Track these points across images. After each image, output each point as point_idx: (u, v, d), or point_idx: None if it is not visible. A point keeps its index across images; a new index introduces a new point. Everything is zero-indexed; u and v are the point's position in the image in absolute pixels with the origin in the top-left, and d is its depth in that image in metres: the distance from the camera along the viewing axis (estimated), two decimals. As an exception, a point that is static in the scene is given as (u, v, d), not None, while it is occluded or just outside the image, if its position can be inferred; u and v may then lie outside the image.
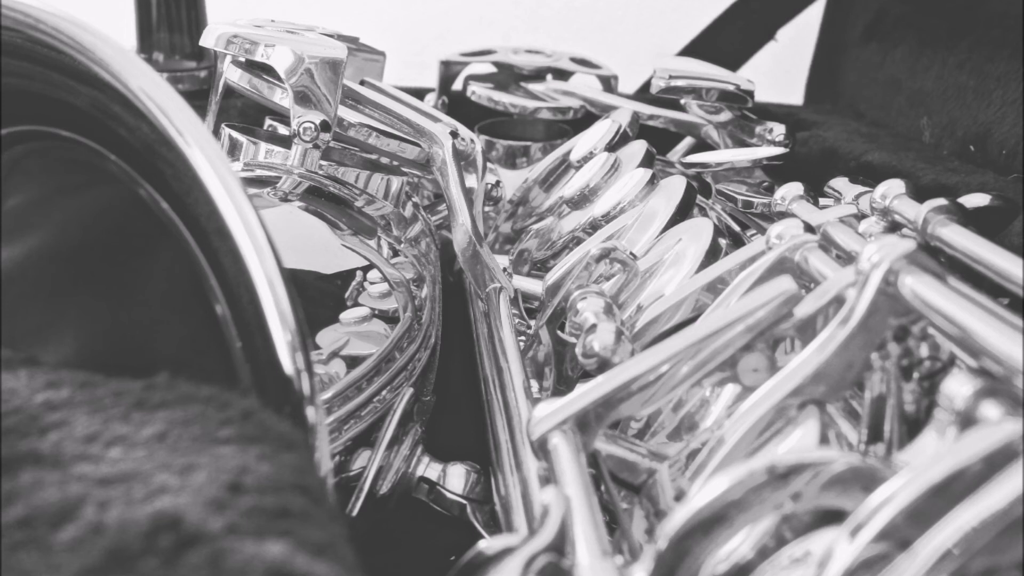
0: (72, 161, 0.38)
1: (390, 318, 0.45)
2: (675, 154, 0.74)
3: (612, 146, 0.61)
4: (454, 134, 0.57)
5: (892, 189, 0.46)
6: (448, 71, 0.84)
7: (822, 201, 0.52)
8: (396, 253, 0.49)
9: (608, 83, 0.83)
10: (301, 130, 0.50)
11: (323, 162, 0.52)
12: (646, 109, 0.70)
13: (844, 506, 0.25)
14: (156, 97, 0.30)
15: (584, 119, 0.74)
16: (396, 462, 0.45)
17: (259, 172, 0.50)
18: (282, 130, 0.55)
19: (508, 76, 0.83)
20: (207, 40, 0.53)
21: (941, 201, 0.42)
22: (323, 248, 0.46)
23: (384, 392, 0.43)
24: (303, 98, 0.50)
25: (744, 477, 0.25)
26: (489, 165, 0.72)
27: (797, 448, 0.29)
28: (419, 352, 0.47)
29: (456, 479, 0.46)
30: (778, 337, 0.32)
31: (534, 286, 0.53)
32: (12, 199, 0.39)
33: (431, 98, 0.82)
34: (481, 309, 0.51)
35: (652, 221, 0.49)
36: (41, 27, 0.32)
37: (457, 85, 0.84)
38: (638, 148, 0.58)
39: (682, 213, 0.49)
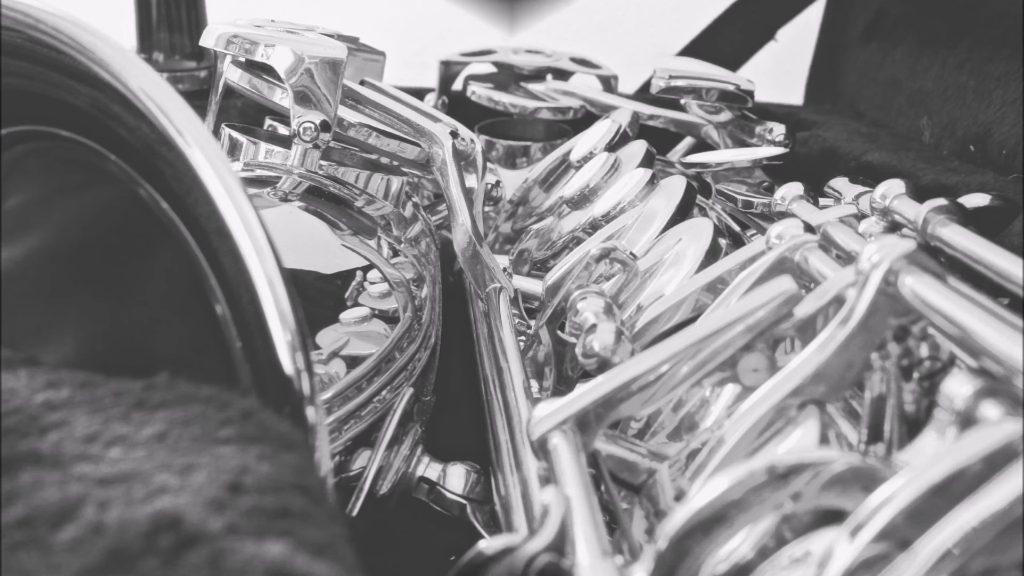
0: (72, 161, 0.38)
1: (390, 318, 0.45)
2: (675, 154, 0.74)
3: (612, 146, 0.61)
4: (454, 134, 0.57)
5: (892, 189, 0.46)
6: (448, 71, 0.84)
7: (822, 201, 0.52)
8: (396, 253, 0.49)
9: (608, 83, 0.83)
10: (301, 130, 0.50)
11: (323, 162, 0.52)
12: (646, 109, 0.70)
13: (844, 506, 0.25)
14: (156, 97, 0.30)
15: (584, 119, 0.74)
16: (396, 462, 0.45)
17: (259, 172, 0.50)
18: (282, 130, 0.55)
19: (508, 76, 0.83)
20: (207, 40, 0.53)
21: (941, 201, 0.42)
22: (323, 248, 0.46)
23: (384, 392, 0.43)
24: (303, 98, 0.50)
25: (744, 477, 0.25)
26: (489, 165, 0.72)
27: (797, 448, 0.29)
28: (419, 352, 0.47)
29: (456, 479, 0.46)
30: (778, 337, 0.32)
31: (534, 286, 0.53)
32: (12, 199, 0.39)
33: (431, 98, 0.82)
34: (481, 309, 0.51)
35: (652, 221, 0.49)
36: (41, 27, 0.32)
37: (457, 85, 0.84)
38: (638, 148, 0.58)
39: (682, 213, 0.49)
